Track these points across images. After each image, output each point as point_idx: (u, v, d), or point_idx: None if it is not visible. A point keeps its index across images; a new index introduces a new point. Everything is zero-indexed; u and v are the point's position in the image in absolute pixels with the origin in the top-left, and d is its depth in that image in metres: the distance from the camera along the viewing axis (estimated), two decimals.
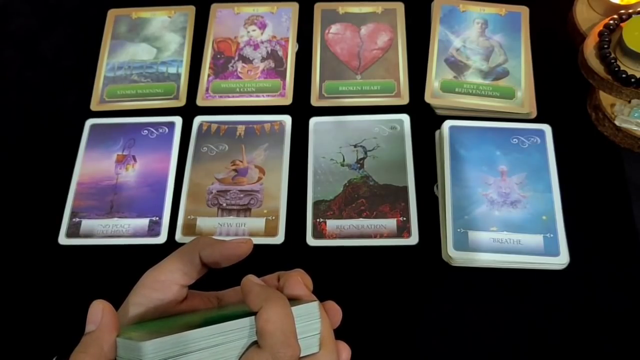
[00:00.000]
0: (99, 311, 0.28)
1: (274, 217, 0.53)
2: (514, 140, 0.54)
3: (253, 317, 0.28)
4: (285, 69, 0.61)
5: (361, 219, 0.52)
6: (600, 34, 0.54)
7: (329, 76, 0.60)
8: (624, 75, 0.51)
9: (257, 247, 0.52)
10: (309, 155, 0.56)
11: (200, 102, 0.59)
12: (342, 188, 0.54)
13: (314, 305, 0.30)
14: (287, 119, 0.58)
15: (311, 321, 0.29)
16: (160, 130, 0.58)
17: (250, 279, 0.30)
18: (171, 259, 0.33)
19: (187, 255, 0.33)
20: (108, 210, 0.54)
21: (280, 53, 0.62)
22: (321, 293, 0.49)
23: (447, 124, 0.55)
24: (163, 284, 0.32)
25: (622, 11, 0.55)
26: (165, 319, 0.32)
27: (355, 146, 0.56)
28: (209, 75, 0.61)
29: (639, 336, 0.46)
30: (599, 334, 0.47)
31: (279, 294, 0.29)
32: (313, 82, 0.60)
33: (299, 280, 0.31)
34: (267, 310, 0.27)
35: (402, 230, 0.51)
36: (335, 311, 0.32)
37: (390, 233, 0.51)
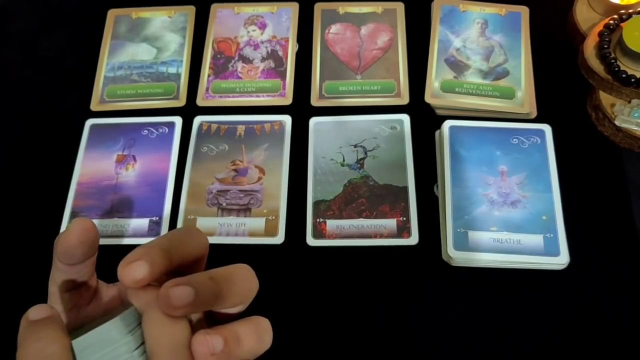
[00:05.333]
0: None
1: (274, 217, 0.53)
2: (514, 140, 0.54)
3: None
4: (285, 69, 0.61)
5: (361, 219, 0.52)
6: (600, 34, 0.54)
7: (329, 76, 0.60)
8: (624, 75, 0.51)
9: (257, 247, 0.52)
10: (309, 155, 0.56)
11: (200, 102, 0.59)
12: (342, 188, 0.54)
13: (107, 328, 0.25)
14: (287, 119, 0.58)
15: (110, 347, 0.25)
16: (160, 130, 0.58)
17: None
18: (52, 269, 0.30)
19: (54, 265, 0.30)
20: (108, 210, 0.54)
21: (280, 53, 0.62)
22: (321, 293, 0.49)
23: (447, 124, 0.55)
24: (56, 295, 0.30)
25: (622, 11, 0.55)
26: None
27: (355, 146, 0.56)
28: (209, 75, 0.61)
29: (639, 337, 0.46)
30: (599, 334, 0.47)
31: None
32: (313, 82, 0.60)
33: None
34: (19, 352, 0.24)
35: (402, 230, 0.51)
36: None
37: (390, 233, 0.51)
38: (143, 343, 0.25)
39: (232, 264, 0.27)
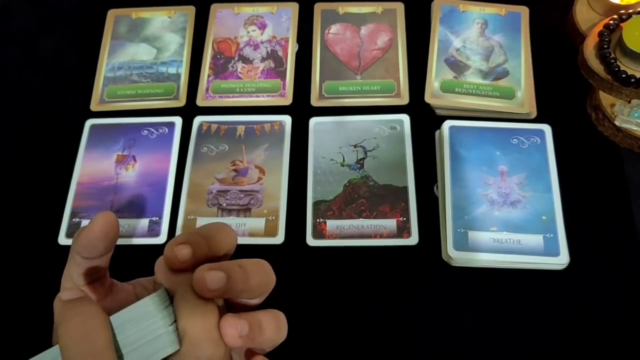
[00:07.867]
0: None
1: (274, 217, 0.53)
2: (514, 140, 0.54)
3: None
4: (285, 69, 0.61)
5: (361, 219, 0.52)
6: (600, 34, 0.54)
7: (329, 76, 0.60)
8: (624, 75, 0.51)
9: (257, 247, 0.52)
10: (309, 156, 0.56)
11: (200, 102, 0.59)
12: (342, 188, 0.54)
13: (144, 304, 0.26)
14: (287, 119, 0.58)
15: (147, 321, 0.26)
16: (160, 131, 0.58)
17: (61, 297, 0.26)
18: (67, 264, 0.31)
19: (71, 259, 0.30)
20: (108, 210, 0.54)
21: (280, 53, 0.62)
22: (321, 293, 0.49)
23: (447, 124, 0.55)
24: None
25: (622, 11, 0.55)
26: None
27: (355, 146, 0.56)
28: (209, 76, 0.61)
29: (639, 337, 0.46)
30: (599, 334, 0.47)
31: (78, 310, 0.25)
32: (313, 82, 0.60)
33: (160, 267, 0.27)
34: (61, 329, 0.25)
35: (402, 230, 0.51)
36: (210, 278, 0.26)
37: (390, 233, 0.51)
38: (175, 321, 0.26)
39: (253, 258, 0.29)
